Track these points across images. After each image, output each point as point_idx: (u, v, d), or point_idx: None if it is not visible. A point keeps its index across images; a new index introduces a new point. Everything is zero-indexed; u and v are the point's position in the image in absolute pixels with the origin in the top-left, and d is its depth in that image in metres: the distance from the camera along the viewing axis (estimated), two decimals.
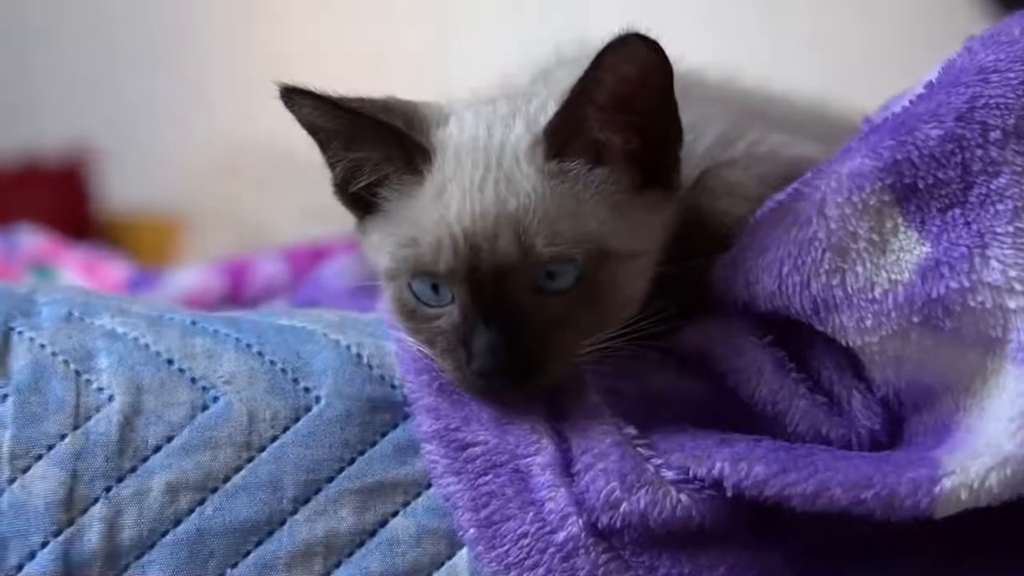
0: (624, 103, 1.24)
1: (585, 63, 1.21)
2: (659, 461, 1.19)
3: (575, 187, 1.25)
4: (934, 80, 1.24)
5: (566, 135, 1.25)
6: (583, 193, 1.25)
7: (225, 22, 4.45)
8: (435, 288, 1.27)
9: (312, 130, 1.30)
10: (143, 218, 4.31)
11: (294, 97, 1.26)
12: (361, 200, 1.34)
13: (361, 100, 1.29)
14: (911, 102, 1.23)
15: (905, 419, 1.24)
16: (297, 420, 1.26)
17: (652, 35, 1.19)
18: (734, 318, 1.30)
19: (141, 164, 4.31)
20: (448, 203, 1.25)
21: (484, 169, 1.26)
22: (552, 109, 1.28)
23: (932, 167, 1.18)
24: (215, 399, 1.27)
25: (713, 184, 1.38)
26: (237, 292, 2.43)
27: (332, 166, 1.33)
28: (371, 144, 1.30)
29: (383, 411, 1.28)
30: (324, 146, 1.32)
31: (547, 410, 1.26)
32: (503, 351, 1.21)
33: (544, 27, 2.93)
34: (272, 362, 1.30)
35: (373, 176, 1.32)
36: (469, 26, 4.11)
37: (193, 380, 1.28)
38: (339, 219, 1.42)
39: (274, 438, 1.26)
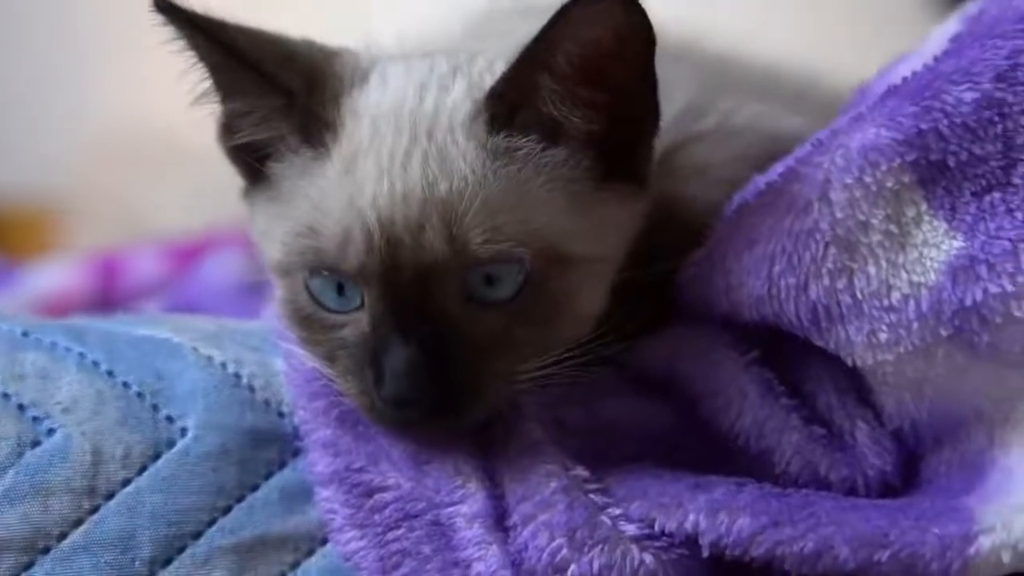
0: (588, 75, 1.13)
1: (536, 14, 1.10)
2: (617, 511, 1.09)
3: (523, 170, 1.14)
4: (963, 32, 1.15)
5: (512, 105, 1.14)
6: (533, 179, 1.14)
7: None
8: (339, 289, 1.15)
9: (195, 56, 1.17)
10: (12, 207, 4.24)
11: (168, 15, 1.13)
12: (248, 156, 1.22)
13: (258, 38, 1.17)
14: (936, 59, 1.14)
15: (923, 456, 1.16)
16: (157, 458, 1.16)
17: None
18: (708, 329, 1.22)
19: (10, 147, 4.25)
20: (360, 182, 1.13)
21: (409, 141, 1.14)
22: (501, 72, 1.16)
23: (966, 139, 1.09)
24: (49, 432, 1.16)
25: (681, 163, 1.29)
26: (109, 293, 2.26)
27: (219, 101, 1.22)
28: (255, 97, 1.17)
29: (268, 447, 1.19)
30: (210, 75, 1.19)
31: (475, 446, 1.16)
32: (423, 374, 1.10)
33: None
34: (125, 384, 1.19)
35: (255, 135, 1.19)
36: None
37: (21, 408, 1.17)
38: (232, 209, 1.33)
39: (126, 482, 1.15)
